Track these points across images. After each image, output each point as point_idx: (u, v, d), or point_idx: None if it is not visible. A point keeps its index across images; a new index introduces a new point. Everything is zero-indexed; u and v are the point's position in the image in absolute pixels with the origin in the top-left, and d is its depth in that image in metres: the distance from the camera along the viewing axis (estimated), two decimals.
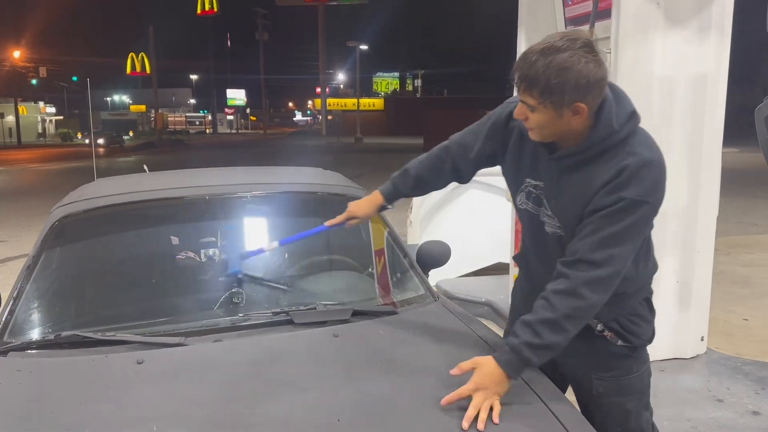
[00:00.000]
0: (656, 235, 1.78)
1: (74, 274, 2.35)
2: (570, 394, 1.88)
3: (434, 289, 2.36)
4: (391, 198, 2.09)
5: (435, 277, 4.32)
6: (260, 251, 2.26)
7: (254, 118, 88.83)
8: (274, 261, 2.51)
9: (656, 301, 1.87)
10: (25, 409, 1.56)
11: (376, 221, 2.62)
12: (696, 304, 3.62)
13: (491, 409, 1.52)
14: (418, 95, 61.17)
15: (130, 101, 74.82)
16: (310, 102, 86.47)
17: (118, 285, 2.34)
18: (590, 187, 1.59)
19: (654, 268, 1.83)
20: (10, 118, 52.76)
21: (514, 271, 4.48)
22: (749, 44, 11.07)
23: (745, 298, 4.99)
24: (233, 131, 78.95)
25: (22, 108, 55.36)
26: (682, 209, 3.56)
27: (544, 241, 1.76)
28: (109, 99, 77.19)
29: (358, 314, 2.04)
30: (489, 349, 1.88)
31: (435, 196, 6.02)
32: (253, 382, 1.65)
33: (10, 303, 2.02)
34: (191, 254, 2.39)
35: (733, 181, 10.07)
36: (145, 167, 3.89)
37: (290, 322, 1.96)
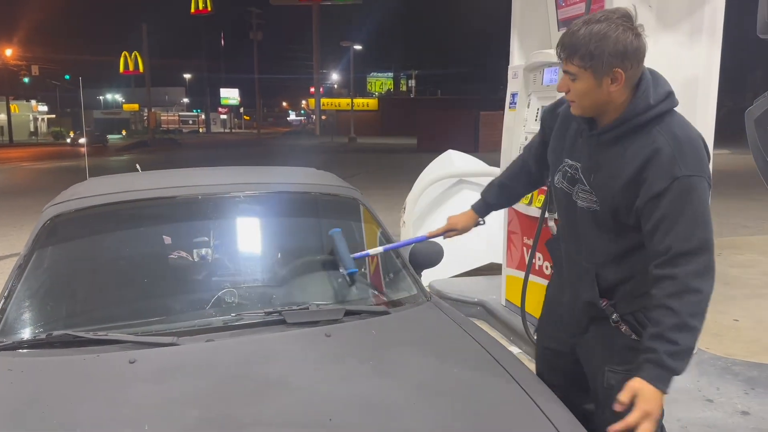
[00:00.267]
0: None
1: (66, 274, 2.34)
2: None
3: (427, 289, 2.37)
4: (481, 211, 2.27)
5: (428, 277, 4.34)
6: (365, 254, 2.35)
7: (248, 118, 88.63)
8: (268, 261, 2.51)
9: None
10: (17, 408, 1.56)
11: (369, 221, 2.63)
12: None
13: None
14: (412, 95, 61.20)
15: (123, 100, 74.42)
16: (304, 102, 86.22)
17: (110, 284, 2.33)
18: (627, 161, 1.66)
19: None
20: (2, 117, 52.37)
21: (507, 271, 4.50)
22: (740, 48, 11.15)
23: (735, 299, 5.02)
24: (227, 131, 78.75)
25: (14, 106, 54.97)
26: None
27: (575, 217, 1.83)
28: (101, 98, 76.73)
29: (350, 314, 2.05)
30: (480, 349, 1.89)
31: (428, 196, 6.03)
32: (245, 381, 1.66)
33: (1, 302, 2.01)
34: (184, 254, 2.39)
35: (725, 183, 10.13)
36: (138, 166, 3.88)
37: (283, 322, 1.97)
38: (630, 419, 1.55)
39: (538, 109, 3.89)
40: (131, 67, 53.11)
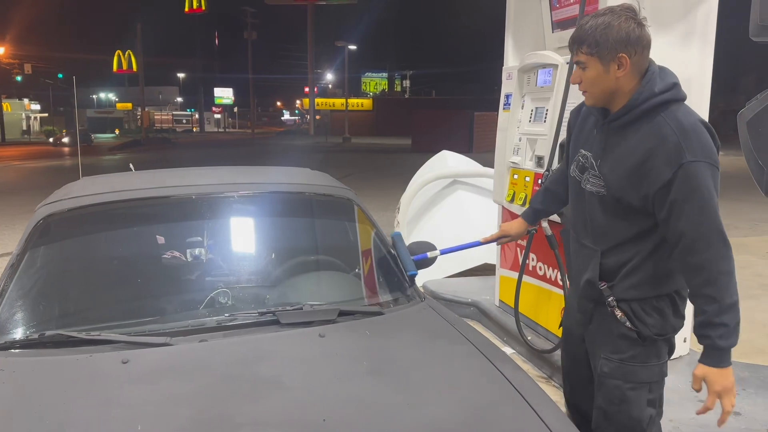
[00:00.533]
0: None
1: (59, 273, 2.33)
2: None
3: (421, 289, 2.37)
4: (530, 218, 2.37)
5: (422, 277, 4.34)
6: (424, 256, 2.42)
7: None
8: (261, 261, 2.51)
9: None
10: (9, 408, 1.55)
11: (363, 222, 2.63)
12: None
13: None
14: (406, 96, 61.18)
15: (117, 99, 74.09)
16: (298, 101, 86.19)
17: (103, 284, 2.32)
18: (634, 147, 1.77)
19: None
20: None
21: (501, 272, 4.51)
22: (733, 50, 11.20)
23: None
24: (220, 130, 78.54)
25: (7, 105, 54.65)
26: None
27: (584, 203, 1.94)
28: (95, 96, 76.40)
29: (344, 314, 2.05)
30: (473, 350, 1.90)
31: (422, 197, 6.04)
32: (238, 382, 1.65)
33: None
34: (177, 254, 2.38)
35: None
36: (131, 166, 3.87)
37: (276, 322, 1.96)
38: (708, 403, 1.75)
39: (532, 110, 3.90)
40: (125, 66, 52.79)
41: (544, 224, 3.42)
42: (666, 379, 1.95)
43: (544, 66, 3.72)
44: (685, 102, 1.83)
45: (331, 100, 56.30)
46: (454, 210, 5.93)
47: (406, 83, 63.69)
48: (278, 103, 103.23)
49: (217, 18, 73.93)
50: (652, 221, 1.80)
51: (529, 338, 3.80)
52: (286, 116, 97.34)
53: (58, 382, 1.66)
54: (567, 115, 3.34)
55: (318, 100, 56.54)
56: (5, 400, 1.58)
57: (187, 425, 1.48)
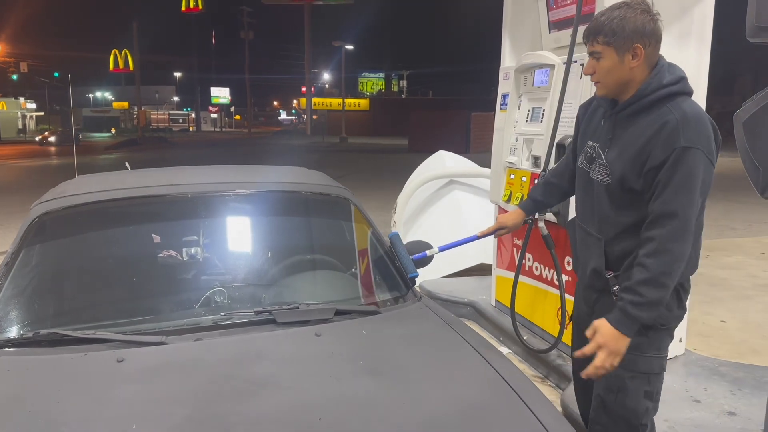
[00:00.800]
0: None
1: (54, 272, 2.32)
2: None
3: (417, 289, 2.37)
4: (528, 209, 2.39)
5: (419, 277, 4.33)
6: (423, 255, 2.43)
7: (239, 117, 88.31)
8: (258, 260, 2.50)
9: None
10: (3, 407, 1.54)
11: (360, 221, 2.63)
12: None
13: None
14: (403, 96, 61.19)
15: (113, 98, 73.90)
16: (295, 101, 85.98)
17: (98, 283, 2.31)
18: (639, 136, 1.81)
19: (693, 260, 1.89)
20: None
21: (497, 272, 4.51)
22: (729, 51, 11.23)
23: (722, 300, 5.06)
24: (217, 129, 78.44)
25: (2, 103, 54.48)
26: None
27: (592, 193, 1.98)
28: (91, 95, 76.17)
29: (340, 314, 2.04)
30: (470, 349, 1.90)
31: (419, 196, 6.04)
32: (234, 381, 1.65)
33: None
34: (173, 253, 2.38)
35: (713, 185, 10.10)
36: (127, 165, 3.86)
37: (273, 322, 1.96)
38: (586, 349, 1.79)
39: (528, 111, 3.91)
40: (121, 65, 52.73)
41: (541, 224, 3.42)
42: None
43: (540, 66, 3.73)
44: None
45: (328, 100, 56.28)
46: (451, 210, 5.93)
47: (403, 83, 63.71)
48: (275, 103, 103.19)
49: (214, 17, 74.01)
50: None
51: (525, 338, 3.81)
52: (283, 116, 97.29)
53: (53, 381, 1.65)
54: (564, 115, 3.36)
55: (315, 100, 56.52)
56: (0, 399, 1.58)
57: (183, 424, 1.47)
